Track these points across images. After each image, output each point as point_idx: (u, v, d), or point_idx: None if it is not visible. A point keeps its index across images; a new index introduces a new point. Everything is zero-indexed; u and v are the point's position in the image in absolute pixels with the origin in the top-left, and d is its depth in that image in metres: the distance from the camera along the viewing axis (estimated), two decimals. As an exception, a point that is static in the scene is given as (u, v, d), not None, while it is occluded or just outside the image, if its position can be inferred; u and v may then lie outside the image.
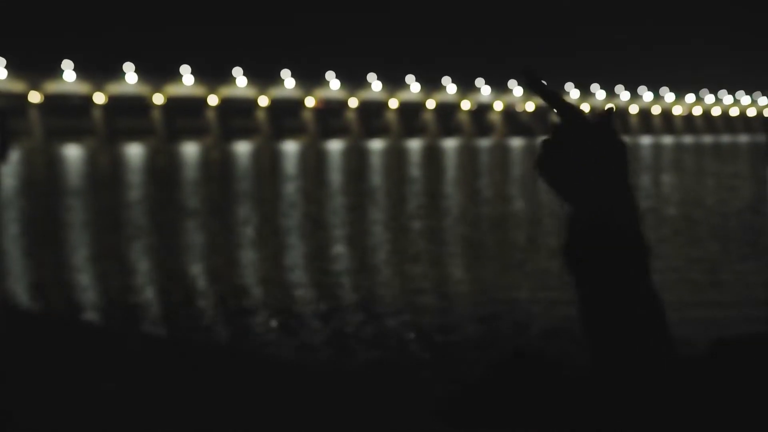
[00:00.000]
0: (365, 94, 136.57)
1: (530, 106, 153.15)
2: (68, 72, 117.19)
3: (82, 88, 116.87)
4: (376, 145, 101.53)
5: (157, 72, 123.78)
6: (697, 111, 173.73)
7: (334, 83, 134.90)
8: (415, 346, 9.87)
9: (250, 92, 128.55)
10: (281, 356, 9.54)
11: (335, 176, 44.64)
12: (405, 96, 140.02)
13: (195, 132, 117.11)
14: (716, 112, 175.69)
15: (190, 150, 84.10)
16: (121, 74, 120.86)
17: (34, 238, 19.79)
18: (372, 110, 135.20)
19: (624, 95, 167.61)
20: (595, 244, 1.12)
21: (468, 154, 77.27)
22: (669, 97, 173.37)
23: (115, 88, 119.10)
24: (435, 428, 6.13)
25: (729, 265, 15.17)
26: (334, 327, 10.79)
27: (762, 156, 71.29)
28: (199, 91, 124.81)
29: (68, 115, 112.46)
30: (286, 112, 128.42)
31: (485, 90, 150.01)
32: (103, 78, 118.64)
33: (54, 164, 56.49)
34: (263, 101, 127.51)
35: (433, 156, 71.97)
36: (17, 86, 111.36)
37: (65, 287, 13.68)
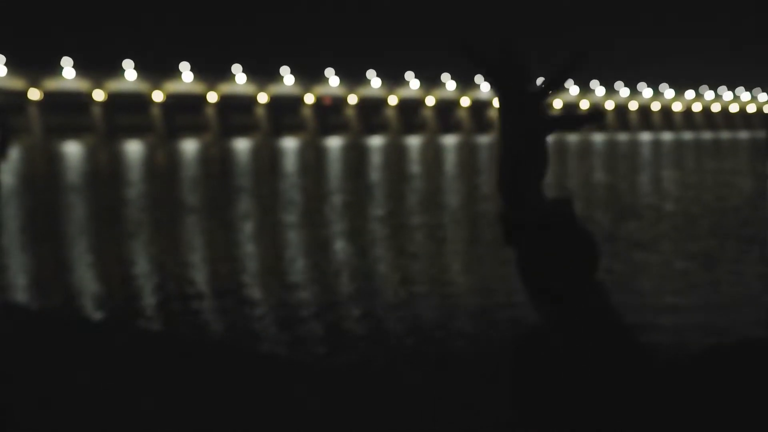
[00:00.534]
0: (364, 91, 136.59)
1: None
2: (68, 69, 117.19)
3: (82, 86, 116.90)
4: (376, 141, 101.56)
5: (157, 69, 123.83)
6: (697, 107, 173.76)
7: (333, 80, 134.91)
8: (411, 343, 9.90)
9: (249, 89, 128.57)
10: (277, 353, 9.57)
11: (334, 173, 44.68)
12: (404, 93, 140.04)
13: (194, 129, 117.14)
14: (716, 108, 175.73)
15: (190, 147, 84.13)
16: (121, 71, 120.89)
17: (33, 235, 19.82)
18: (371, 107, 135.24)
19: (624, 92, 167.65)
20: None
21: (467, 150, 77.30)
22: (668, 93, 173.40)
23: (115, 86, 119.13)
24: (430, 427, 6.15)
25: (726, 261, 15.20)
26: (329, 322, 10.82)
27: (762, 153, 71.34)
28: (198, 88, 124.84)
29: (68, 112, 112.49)
30: (285, 109, 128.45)
31: (484, 87, 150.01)
32: (103, 75, 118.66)
33: (53, 161, 56.52)
34: (262, 98, 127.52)
35: (432, 152, 72.01)
36: (17, 83, 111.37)
37: (63, 283, 13.71)
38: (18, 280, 13.91)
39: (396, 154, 69.13)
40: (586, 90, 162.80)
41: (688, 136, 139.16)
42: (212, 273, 14.85)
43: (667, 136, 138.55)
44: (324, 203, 27.07)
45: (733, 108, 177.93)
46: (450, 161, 59.07)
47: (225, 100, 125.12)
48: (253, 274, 14.86)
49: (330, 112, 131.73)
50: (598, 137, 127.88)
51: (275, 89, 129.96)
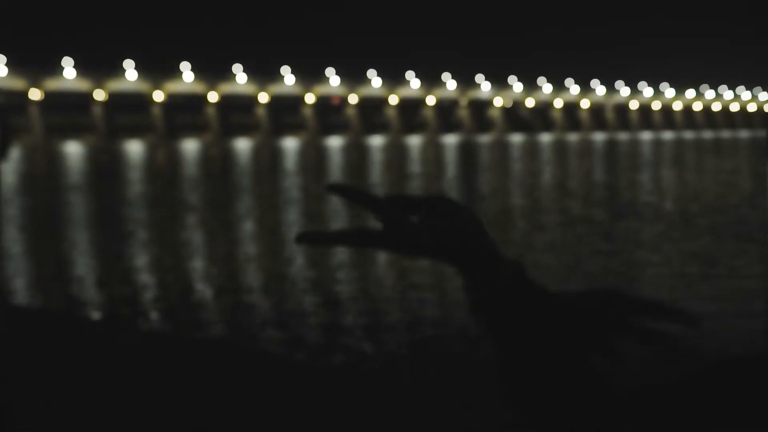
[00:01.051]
0: (365, 91, 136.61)
1: (530, 102, 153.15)
2: (68, 69, 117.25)
3: (82, 85, 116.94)
4: (376, 141, 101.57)
5: (157, 69, 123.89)
6: (698, 107, 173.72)
7: (334, 80, 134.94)
8: (408, 342, 9.93)
9: (249, 89, 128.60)
10: (276, 352, 9.61)
11: (334, 172, 44.69)
12: (405, 92, 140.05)
13: (195, 129, 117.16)
14: (717, 107, 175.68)
15: (190, 147, 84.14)
16: (121, 71, 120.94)
17: (34, 235, 19.86)
18: (372, 106, 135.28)
19: (624, 91, 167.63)
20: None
21: (468, 150, 77.31)
22: (669, 92, 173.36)
23: (115, 85, 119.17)
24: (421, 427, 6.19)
25: (724, 260, 15.23)
26: (329, 321, 10.86)
27: (762, 152, 71.33)
28: (199, 87, 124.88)
29: (68, 112, 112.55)
30: (285, 109, 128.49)
31: (485, 86, 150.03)
32: (103, 75, 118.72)
33: (54, 161, 56.55)
34: (263, 98, 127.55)
35: (433, 152, 72.04)
36: (17, 83, 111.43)
37: (64, 284, 13.75)
38: (18, 279, 13.95)
39: (397, 153, 69.17)
40: (586, 89, 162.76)
41: (689, 135, 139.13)
42: (212, 272, 14.89)
43: (667, 135, 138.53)
44: (324, 203, 27.11)
45: (734, 107, 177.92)
46: (450, 161, 59.12)
47: (225, 100, 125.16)
48: (252, 274, 14.90)
49: (331, 112, 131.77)
50: (599, 136, 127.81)
51: (276, 89, 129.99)
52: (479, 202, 27.85)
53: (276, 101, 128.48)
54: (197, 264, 15.79)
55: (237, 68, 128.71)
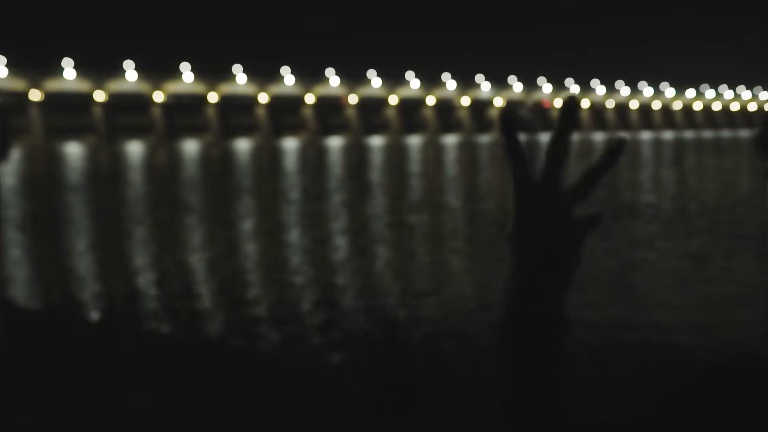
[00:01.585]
0: (365, 91, 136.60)
1: (530, 102, 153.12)
2: (68, 70, 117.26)
3: (83, 86, 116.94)
4: (376, 141, 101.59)
5: (157, 69, 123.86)
6: (698, 106, 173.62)
7: (333, 80, 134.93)
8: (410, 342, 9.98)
9: (250, 89, 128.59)
10: (275, 353, 9.67)
11: (335, 172, 44.73)
12: (405, 92, 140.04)
13: (195, 129, 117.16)
14: (717, 107, 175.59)
15: (190, 147, 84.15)
16: (121, 72, 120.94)
17: (34, 235, 19.92)
18: (372, 107, 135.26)
19: (624, 90, 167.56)
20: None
21: (468, 150, 77.31)
22: (669, 92, 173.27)
23: (115, 86, 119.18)
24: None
25: (720, 259, 15.30)
26: (328, 322, 10.91)
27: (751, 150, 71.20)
28: (199, 88, 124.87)
29: (68, 112, 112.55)
30: (286, 109, 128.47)
31: (485, 86, 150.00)
32: (103, 76, 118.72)
33: (54, 162, 56.58)
34: (263, 98, 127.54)
35: (432, 152, 72.05)
36: (18, 84, 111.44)
37: (64, 284, 13.81)
38: (19, 280, 14.01)
39: (397, 153, 69.19)
40: (586, 89, 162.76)
41: (689, 134, 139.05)
42: (211, 273, 14.95)
43: (668, 134, 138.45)
44: (323, 203, 27.16)
45: (734, 106, 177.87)
46: (451, 161, 59.14)
47: (225, 101, 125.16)
48: (252, 274, 14.96)
49: (330, 112, 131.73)
50: (599, 136, 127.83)
51: (276, 89, 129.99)
52: (478, 201, 27.90)
53: (276, 101, 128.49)
54: (196, 263, 15.85)
55: (237, 69, 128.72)
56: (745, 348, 9.24)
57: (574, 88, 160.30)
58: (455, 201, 28.72)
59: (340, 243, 18.58)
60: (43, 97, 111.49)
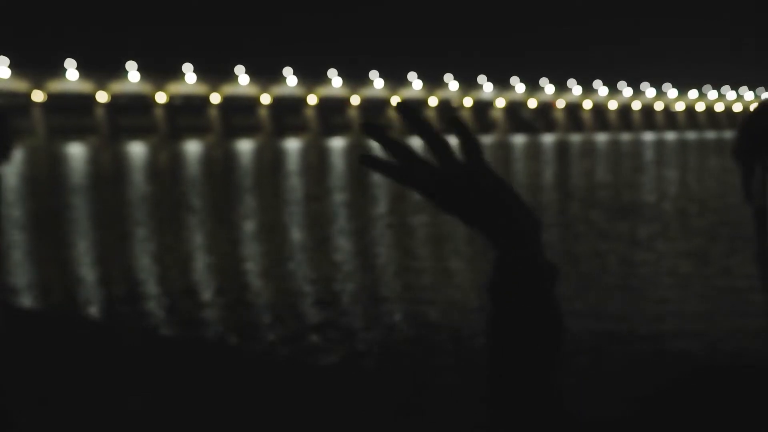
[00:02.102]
0: (367, 92, 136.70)
1: (533, 103, 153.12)
2: (71, 71, 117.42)
3: (85, 87, 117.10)
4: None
5: (160, 71, 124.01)
6: (700, 107, 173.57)
7: (336, 81, 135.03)
8: (406, 341, 10.02)
9: (252, 90, 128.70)
10: (276, 352, 9.71)
11: (336, 173, 44.78)
12: (407, 93, 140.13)
13: (197, 130, 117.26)
14: (719, 108, 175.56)
15: (193, 148, 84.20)
16: (124, 73, 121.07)
17: (35, 236, 19.97)
18: (374, 107, 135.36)
19: (627, 91, 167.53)
20: (521, 278, 1.13)
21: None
22: (672, 93, 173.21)
23: (118, 87, 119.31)
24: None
25: (718, 259, 15.33)
26: (326, 323, 10.95)
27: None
28: (201, 89, 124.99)
29: (71, 113, 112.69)
30: (288, 110, 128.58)
31: (487, 87, 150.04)
32: (106, 77, 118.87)
33: (57, 162, 56.66)
34: (265, 99, 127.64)
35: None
36: (20, 85, 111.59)
37: (65, 284, 13.86)
38: (19, 280, 14.05)
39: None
40: (589, 90, 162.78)
41: (691, 135, 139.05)
42: (212, 273, 14.99)
43: (670, 135, 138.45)
44: (323, 203, 27.21)
45: (737, 107, 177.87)
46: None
47: (228, 102, 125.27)
48: (252, 274, 15.00)
49: (333, 113, 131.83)
50: (602, 137, 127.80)
51: (278, 90, 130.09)
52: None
53: (278, 102, 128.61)
54: (197, 263, 15.89)
55: (239, 70, 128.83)
56: (745, 348, 9.27)
57: (576, 89, 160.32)
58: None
59: (341, 243, 18.62)
60: (46, 98, 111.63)
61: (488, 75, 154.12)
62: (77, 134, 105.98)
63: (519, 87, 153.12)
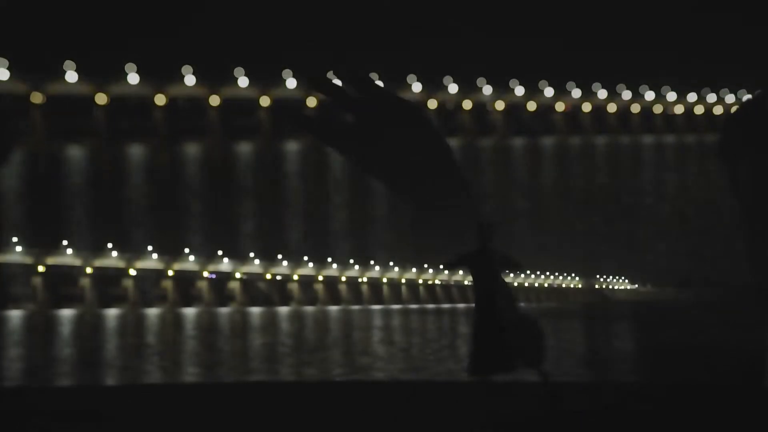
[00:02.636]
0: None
1: (532, 106, 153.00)
2: (70, 73, 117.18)
3: (84, 89, 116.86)
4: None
5: (159, 73, 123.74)
6: (699, 110, 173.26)
7: (336, 83, 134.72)
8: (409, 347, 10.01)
9: (251, 92, 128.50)
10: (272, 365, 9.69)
11: (336, 174, 44.76)
12: (406, 96, 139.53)
13: (197, 132, 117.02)
14: (718, 111, 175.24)
15: (192, 150, 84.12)
16: (123, 75, 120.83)
17: (37, 236, 19.95)
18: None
19: (626, 94, 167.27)
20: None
21: (469, 153, 77.30)
22: (671, 96, 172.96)
23: (117, 89, 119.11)
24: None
25: (716, 259, 15.34)
26: (326, 326, 10.94)
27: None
28: (200, 91, 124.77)
29: (70, 116, 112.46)
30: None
31: (486, 90, 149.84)
32: (105, 79, 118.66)
33: (56, 165, 56.60)
34: (265, 101, 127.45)
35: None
36: (19, 87, 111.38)
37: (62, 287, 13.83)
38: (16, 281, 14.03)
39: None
40: (588, 93, 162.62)
41: (690, 138, 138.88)
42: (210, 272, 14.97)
43: (669, 138, 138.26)
44: (323, 204, 27.18)
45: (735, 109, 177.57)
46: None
47: (227, 104, 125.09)
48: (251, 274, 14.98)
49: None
50: (600, 140, 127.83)
51: (278, 92, 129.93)
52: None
53: (278, 104, 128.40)
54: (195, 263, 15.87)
55: (239, 72, 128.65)
56: (744, 348, 9.29)
57: (576, 92, 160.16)
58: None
59: (340, 244, 18.60)
60: (45, 100, 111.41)
61: (487, 78, 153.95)
62: (76, 136, 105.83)
63: (518, 90, 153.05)
